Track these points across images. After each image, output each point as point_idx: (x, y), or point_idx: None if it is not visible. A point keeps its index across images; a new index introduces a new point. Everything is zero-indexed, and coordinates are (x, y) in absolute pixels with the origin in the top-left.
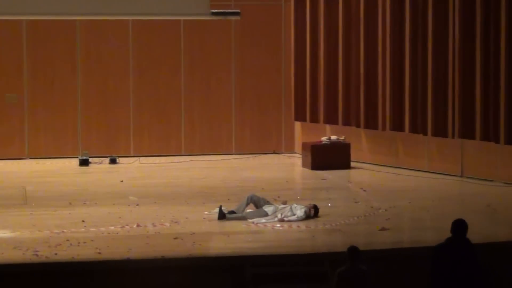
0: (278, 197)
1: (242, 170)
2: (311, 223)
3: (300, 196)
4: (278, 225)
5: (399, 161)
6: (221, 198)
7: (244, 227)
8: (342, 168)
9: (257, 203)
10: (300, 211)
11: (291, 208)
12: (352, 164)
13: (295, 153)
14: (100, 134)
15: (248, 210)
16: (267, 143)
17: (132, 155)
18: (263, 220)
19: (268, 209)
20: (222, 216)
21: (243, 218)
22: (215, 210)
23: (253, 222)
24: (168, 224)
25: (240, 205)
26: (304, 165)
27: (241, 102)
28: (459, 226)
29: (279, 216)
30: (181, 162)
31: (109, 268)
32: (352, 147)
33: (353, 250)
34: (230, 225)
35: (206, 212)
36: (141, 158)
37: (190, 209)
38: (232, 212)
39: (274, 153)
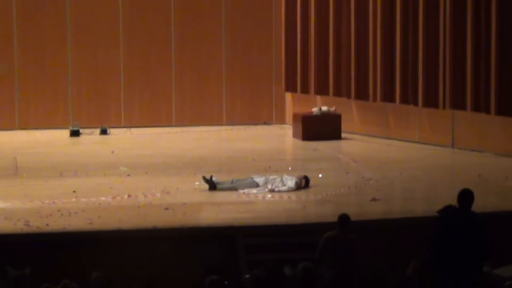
0: (269, 167)
1: (233, 141)
2: (302, 193)
3: (291, 167)
4: (269, 195)
5: (390, 132)
6: (212, 168)
7: (235, 197)
8: (333, 139)
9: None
10: (291, 182)
11: (282, 179)
12: (343, 135)
13: (286, 124)
14: (90, 105)
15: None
16: (258, 114)
17: (122, 126)
18: (254, 190)
19: (258, 179)
20: (213, 186)
21: (234, 188)
22: (199, 183)
23: (244, 193)
24: (159, 195)
25: (225, 182)
26: (295, 136)
27: (231, 73)
28: (467, 197)
29: (269, 186)
30: (172, 133)
31: (100, 238)
32: (343, 118)
33: (343, 217)
34: (221, 196)
35: (197, 183)
36: (132, 129)
37: (181, 180)
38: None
39: (265, 124)
